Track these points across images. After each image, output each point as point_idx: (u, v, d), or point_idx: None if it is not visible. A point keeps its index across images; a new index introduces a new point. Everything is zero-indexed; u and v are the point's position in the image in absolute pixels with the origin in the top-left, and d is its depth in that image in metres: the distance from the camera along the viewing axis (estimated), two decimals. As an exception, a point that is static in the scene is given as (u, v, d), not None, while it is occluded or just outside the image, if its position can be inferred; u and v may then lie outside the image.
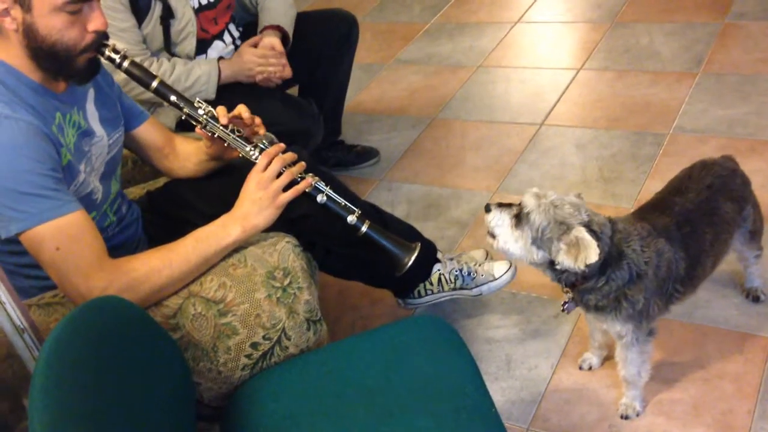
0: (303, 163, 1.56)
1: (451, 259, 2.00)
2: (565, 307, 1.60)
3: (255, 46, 2.28)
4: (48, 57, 1.37)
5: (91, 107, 1.53)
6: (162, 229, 1.70)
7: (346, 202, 1.59)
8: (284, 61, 2.28)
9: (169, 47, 2.16)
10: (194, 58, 2.21)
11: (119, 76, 1.72)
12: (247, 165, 1.57)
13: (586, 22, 3.46)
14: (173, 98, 1.58)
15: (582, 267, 1.42)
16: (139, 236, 1.70)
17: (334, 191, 1.59)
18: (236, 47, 2.35)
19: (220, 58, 2.28)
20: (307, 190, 1.54)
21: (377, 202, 2.50)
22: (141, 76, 1.56)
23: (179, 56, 2.18)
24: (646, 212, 1.62)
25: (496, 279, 1.96)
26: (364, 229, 1.60)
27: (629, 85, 2.92)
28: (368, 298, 2.20)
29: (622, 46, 3.18)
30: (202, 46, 2.25)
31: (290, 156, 1.55)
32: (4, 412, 1.34)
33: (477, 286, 1.97)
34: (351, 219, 1.59)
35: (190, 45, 2.19)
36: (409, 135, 2.94)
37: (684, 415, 1.69)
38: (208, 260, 1.46)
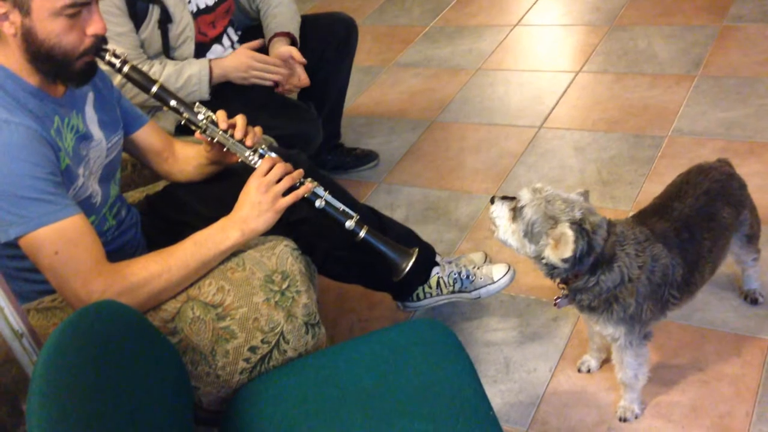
0: (301, 170, 1.57)
1: (450, 263, 2.00)
2: (557, 302, 1.61)
3: (256, 50, 2.27)
4: (46, 61, 1.37)
5: (90, 111, 1.53)
6: (161, 232, 1.70)
7: (345, 207, 1.60)
8: (302, 72, 2.28)
9: (167, 51, 2.16)
10: (190, 61, 2.21)
11: (118, 80, 1.72)
12: (246, 169, 1.57)
13: (584, 25, 3.46)
14: (173, 103, 1.58)
15: (558, 262, 1.44)
16: (138, 240, 1.70)
17: (332, 196, 1.59)
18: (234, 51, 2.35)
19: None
20: (306, 195, 1.55)
21: (376, 205, 2.51)
22: (141, 80, 1.56)
23: (177, 60, 2.18)
24: (645, 217, 1.62)
25: (495, 282, 1.96)
26: (361, 234, 1.61)
27: (628, 88, 2.93)
28: (367, 301, 2.20)
29: (621, 49, 3.19)
30: (201, 50, 2.25)
31: (290, 166, 1.56)
32: (2, 416, 1.34)
33: (476, 289, 1.98)
34: (349, 224, 1.60)
35: (188, 49, 2.19)
36: (409, 138, 2.95)
37: (682, 418, 1.69)
38: (207, 264, 1.46)
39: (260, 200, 1.49)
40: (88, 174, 1.49)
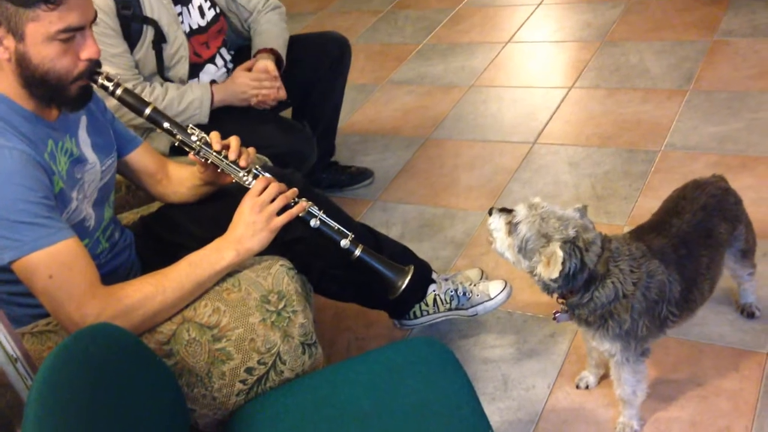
0: (295, 189, 1.57)
1: (446, 280, 2.00)
2: (556, 316, 1.61)
3: (249, 69, 2.29)
4: (40, 85, 1.37)
5: (83, 134, 1.53)
6: (156, 254, 1.70)
7: (340, 226, 1.60)
8: (278, 83, 2.29)
9: (161, 71, 2.17)
10: (187, 81, 2.22)
11: (111, 102, 1.72)
12: (241, 189, 1.57)
13: (576, 41, 3.49)
14: (166, 125, 1.58)
15: (548, 280, 1.45)
16: (132, 262, 1.69)
17: (327, 215, 1.59)
18: (228, 71, 2.36)
19: (213, 81, 2.29)
20: (300, 215, 1.54)
21: (372, 222, 2.51)
22: (134, 103, 1.56)
23: (172, 80, 2.19)
24: (643, 233, 1.62)
25: (492, 299, 1.96)
26: (357, 253, 1.60)
27: (620, 103, 2.94)
28: (363, 320, 2.19)
29: (613, 64, 3.21)
30: (194, 70, 2.26)
31: (284, 185, 1.55)
32: (-3, 442, 1.33)
33: (473, 306, 1.97)
34: (344, 243, 1.59)
35: (182, 69, 2.20)
36: (403, 155, 2.95)
37: (682, 434, 1.69)
38: (202, 285, 1.45)
39: (255, 220, 1.49)
40: (83, 197, 1.49)
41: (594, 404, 1.81)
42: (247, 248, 1.48)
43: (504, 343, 2.04)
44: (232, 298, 1.45)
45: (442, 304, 1.96)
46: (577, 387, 1.85)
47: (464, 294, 1.96)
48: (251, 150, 1.64)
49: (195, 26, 2.23)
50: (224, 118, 2.21)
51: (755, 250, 1.82)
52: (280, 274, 1.50)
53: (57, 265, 1.32)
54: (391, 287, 1.65)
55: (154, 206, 1.88)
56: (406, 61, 3.66)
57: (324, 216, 1.58)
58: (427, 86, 3.41)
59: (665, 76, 3.03)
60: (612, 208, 2.42)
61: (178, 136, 1.59)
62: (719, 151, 2.55)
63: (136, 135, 1.75)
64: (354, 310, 2.10)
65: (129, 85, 2.04)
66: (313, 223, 1.57)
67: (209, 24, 2.27)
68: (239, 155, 1.59)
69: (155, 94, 2.11)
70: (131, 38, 2.08)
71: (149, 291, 1.39)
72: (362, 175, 2.82)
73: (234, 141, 1.60)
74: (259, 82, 2.25)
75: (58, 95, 1.41)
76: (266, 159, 1.99)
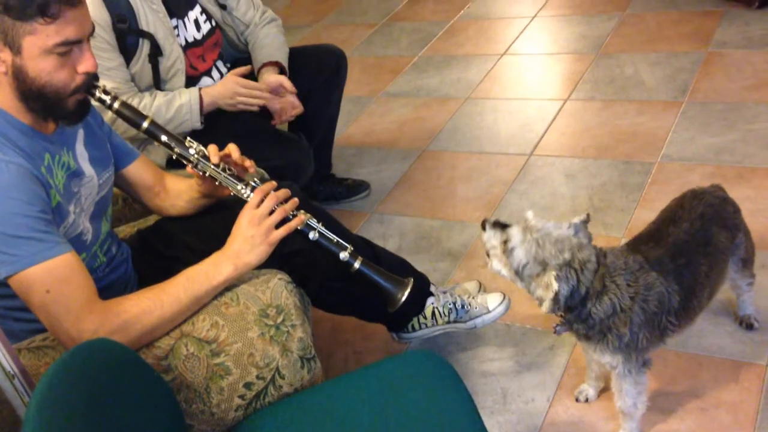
0: (295, 200, 1.56)
1: (445, 292, 1.99)
2: (556, 329, 1.60)
3: (243, 75, 2.27)
4: (37, 99, 1.37)
5: (80, 148, 1.52)
6: (153, 267, 1.69)
7: (339, 239, 1.59)
8: (294, 100, 2.29)
9: (158, 84, 2.17)
10: (178, 93, 2.21)
11: (109, 115, 1.72)
12: (239, 202, 1.56)
13: (571, 53, 3.50)
14: (164, 138, 1.58)
15: (546, 304, 1.45)
16: (129, 276, 1.68)
17: (326, 227, 1.58)
18: (222, 80, 2.36)
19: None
20: (299, 227, 1.54)
21: (369, 235, 2.51)
22: (131, 116, 1.56)
23: (169, 93, 2.19)
24: (640, 243, 1.62)
25: (490, 311, 1.95)
26: (356, 265, 1.60)
27: (616, 115, 2.95)
28: (361, 333, 2.18)
29: (608, 76, 3.22)
30: (191, 83, 2.25)
31: (283, 193, 1.54)
32: (-7, 460, 1.31)
33: (471, 319, 1.96)
34: (343, 256, 1.59)
35: (179, 82, 2.19)
36: (400, 167, 2.95)
37: (682, 446, 1.68)
38: (200, 299, 1.44)
39: (253, 234, 1.48)
40: (79, 211, 1.48)
41: (594, 417, 1.80)
42: (245, 262, 1.47)
43: (503, 356, 2.03)
44: (230, 313, 1.44)
45: (441, 316, 1.96)
46: (577, 400, 1.84)
47: (463, 307, 1.96)
48: (247, 161, 1.63)
49: (191, 39, 2.23)
50: (221, 130, 2.19)
51: (754, 260, 1.82)
52: (278, 288, 1.49)
53: (54, 279, 1.31)
54: (390, 300, 1.65)
55: (151, 219, 1.87)
56: (402, 74, 3.67)
57: (323, 228, 1.58)
58: (423, 98, 3.42)
59: (660, 87, 3.05)
60: (609, 219, 2.42)
61: (176, 149, 1.58)
62: (715, 162, 2.55)
63: (133, 148, 1.74)
64: (352, 322, 2.09)
65: (123, 98, 2.04)
66: (312, 235, 1.57)
67: (205, 37, 2.27)
68: (242, 161, 1.58)
69: (143, 102, 2.10)
70: (127, 52, 2.08)
71: (147, 306, 1.38)
72: (359, 187, 2.82)
73: (234, 150, 1.60)
74: (248, 90, 2.22)
75: (56, 109, 1.40)
76: (263, 172, 1.98)
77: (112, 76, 2.05)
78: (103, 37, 2.01)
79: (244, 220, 1.49)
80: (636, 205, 2.45)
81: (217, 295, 1.47)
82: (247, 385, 1.41)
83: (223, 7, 2.35)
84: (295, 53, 2.49)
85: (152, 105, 2.10)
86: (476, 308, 1.96)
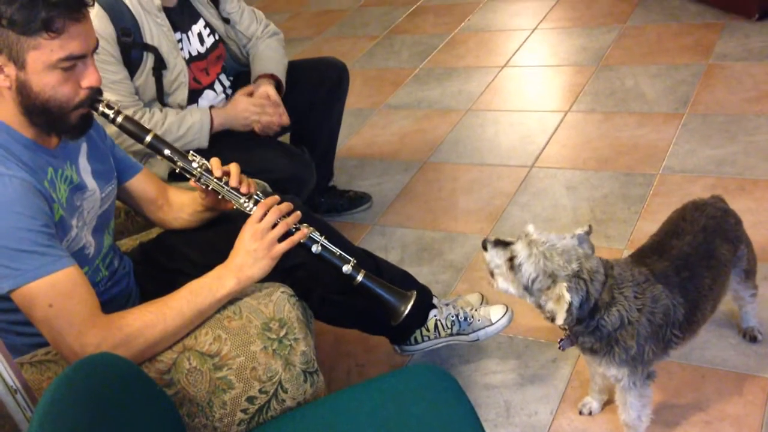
0: (298, 213, 1.56)
1: (447, 305, 1.99)
2: (560, 344, 1.59)
3: (250, 94, 2.29)
4: (41, 113, 1.37)
5: (83, 161, 1.52)
6: (155, 281, 1.69)
7: (341, 252, 1.59)
8: (281, 109, 2.30)
9: (161, 98, 2.18)
10: (185, 107, 2.22)
11: (112, 128, 1.72)
12: (242, 215, 1.56)
13: (571, 65, 3.51)
14: (167, 152, 1.58)
15: (559, 322, 1.44)
16: (131, 289, 1.68)
17: (328, 240, 1.58)
18: (227, 96, 2.37)
19: (211, 107, 2.29)
20: (302, 241, 1.54)
21: (370, 247, 2.50)
22: (135, 130, 1.56)
23: (171, 106, 2.20)
24: (644, 256, 1.62)
25: (493, 324, 1.95)
26: (359, 278, 1.60)
27: (617, 127, 2.96)
28: (364, 345, 2.18)
29: (608, 88, 3.23)
30: (194, 96, 2.26)
31: (286, 206, 1.54)
32: (-6, 475, 1.30)
33: (474, 332, 1.96)
34: (346, 269, 1.59)
35: (182, 95, 2.20)
36: (401, 179, 2.95)
37: (687, 460, 1.67)
38: (203, 313, 1.44)
39: (256, 248, 1.48)
40: (82, 225, 1.48)
41: (597, 430, 1.79)
42: (248, 276, 1.47)
43: (505, 368, 2.02)
44: (233, 326, 1.44)
45: (443, 329, 1.95)
46: (580, 413, 1.83)
47: (465, 319, 1.95)
48: (251, 180, 1.63)
49: (194, 53, 2.24)
50: (223, 143, 2.21)
51: (756, 271, 1.82)
52: (281, 302, 1.49)
53: (57, 293, 1.30)
54: (393, 313, 1.64)
55: (154, 232, 1.87)
56: (403, 86, 3.68)
57: (325, 242, 1.58)
58: (424, 110, 3.43)
59: (661, 99, 3.05)
60: (611, 231, 2.42)
61: (179, 163, 1.58)
62: (717, 174, 2.55)
63: (136, 161, 1.75)
64: (354, 335, 2.09)
65: (129, 112, 2.05)
66: (315, 249, 1.57)
67: (208, 51, 2.28)
68: (240, 182, 1.59)
69: (155, 119, 2.11)
70: (131, 65, 2.09)
71: (150, 319, 1.38)
72: (360, 199, 2.82)
73: (234, 168, 1.60)
74: (261, 108, 2.25)
75: (59, 123, 1.40)
76: (265, 184, 1.99)
77: (117, 90, 2.06)
78: (108, 51, 2.02)
79: (247, 234, 1.49)
80: (638, 216, 2.45)
81: (219, 308, 1.47)
82: (250, 399, 1.41)
83: (226, 21, 2.36)
84: (296, 66, 2.50)
85: (164, 122, 2.11)
86: (479, 320, 1.95)
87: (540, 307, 1.52)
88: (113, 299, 1.60)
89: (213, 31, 2.31)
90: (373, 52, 4.11)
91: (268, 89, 2.29)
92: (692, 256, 1.59)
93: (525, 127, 3.12)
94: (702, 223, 1.65)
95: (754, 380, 1.82)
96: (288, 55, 2.51)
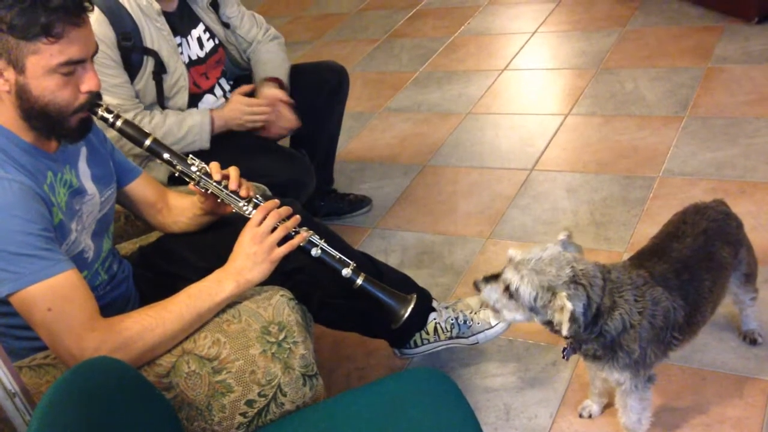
0: (297, 217, 1.56)
1: (447, 308, 1.99)
2: (564, 353, 1.59)
3: (246, 94, 2.29)
4: (40, 117, 1.37)
5: (83, 165, 1.53)
6: (154, 285, 1.69)
7: (341, 255, 1.59)
8: (290, 113, 2.29)
9: (161, 101, 2.18)
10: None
11: (111, 133, 1.73)
12: (241, 219, 1.57)
13: (571, 68, 3.51)
14: (166, 156, 1.58)
15: (565, 333, 1.43)
16: (131, 293, 1.68)
17: (328, 244, 1.58)
18: (227, 100, 2.37)
19: (211, 110, 2.29)
20: (301, 245, 1.54)
21: (370, 250, 2.51)
22: (134, 134, 1.57)
23: (171, 110, 2.20)
24: (644, 259, 1.61)
25: (493, 327, 1.95)
26: (359, 282, 1.60)
27: (617, 130, 2.96)
28: (364, 349, 2.18)
29: (608, 91, 3.23)
30: (194, 100, 2.26)
31: (285, 210, 1.55)
32: (-7, 479, 1.30)
33: (473, 335, 1.96)
34: (346, 272, 1.59)
35: (182, 99, 2.20)
36: (401, 182, 2.96)
37: (687, 463, 1.67)
38: (202, 316, 1.44)
39: (255, 251, 1.48)
40: (81, 229, 1.48)
41: (598, 433, 1.79)
42: (247, 279, 1.47)
43: (505, 371, 2.02)
44: (232, 330, 1.44)
45: (443, 332, 1.95)
46: (580, 416, 1.83)
47: (465, 322, 1.95)
48: (250, 184, 1.63)
49: (194, 57, 2.24)
50: (223, 147, 2.21)
51: (757, 274, 1.82)
52: (280, 305, 1.49)
53: (56, 297, 1.30)
54: (393, 316, 1.64)
55: (153, 236, 1.87)
56: (403, 89, 3.68)
57: (325, 245, 1.58)
58: (424, 114, 3.43)
59: (661, 102, 3.05)
60: (611, 234, 2.42)
61: (178, 167, 1.59)
62: (717, 176, 2.55)
63: (136, 165, 1.75)
64: (353, 338, 2.09)
65: (129, 116, 2.06)
66: (315, 252, 1.57)
67: (208, 55, 2.29)
68: (239, 186, 1.59)
69: (155, 121, 2.12)
70: (132, 69, 2.09)
71: (149, 323, 1.38)
72: (360, 202, 2.82)
73: (233, 171, 1.60)
74: (249, 107, 2.25)
75: (58, 127, 1.41)
76: (265, 188, 1.99)
77: (118, 93, 2.06)
78: (108, 55, 2.02)
79: (246, 238, 1.49)
80: (638, 219, 2.45)
81: (218, 312, 1.47)
82: (249, 403, 1.41)
83: (226, 25, 2.36)
84: (296, 70, 2.50)
85: (164, 124, 2.12)
86: (478, 323, 1.95)
87: (550, 323, 1.49)
88: (112, 303, 1.60)
89: (213, 36, 2.31)
90: (373, 55, 4.12)
91: (277, 92, 2.29)
92: (692, 258, 1.59)
93: (525, 130, 3.12)
94: (703, 226, 1.65)
95: (754, 383, 1.82)
96: (288, 59, 2.51)
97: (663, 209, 2.42)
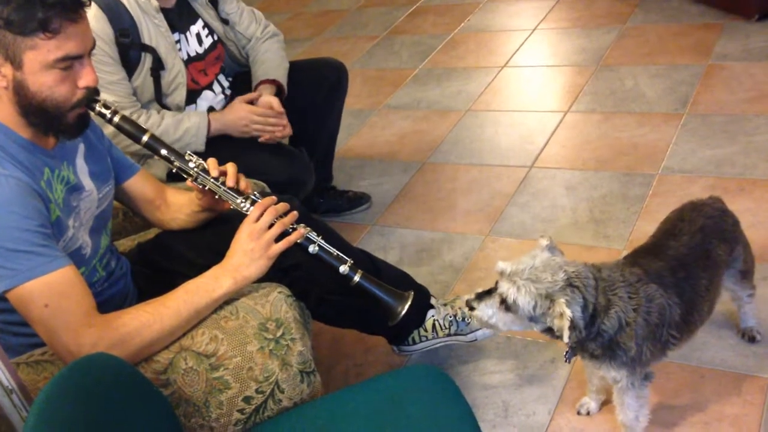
0: (295, 213, 1.56)
1: (445, 305, 1.99)
2: (566, 356, 1.58)
3: (250, 102, 2.28)
4: (38, 113, 1.37)
5: (80, 162, 1.52)
6: (153, 281, 1.69)
7: (339, 252, 1.59)
8: (284, 120, 2.29)
9: (159, 98, 2.18)
10: (184, 108, 2.23)
11: (109, 129, 1.73)
12: (239, 215, 1.56)
13: (571, 65, 3.51)
14: (164, 152, 1.58)
15: (566, 340, 1.42)
16: (128, 290, 1.68)
17: (326, 241, 1.58)
18: (226, 97, 2.37)
19: (210, 108, 2.29)
20: (299, 241, 1.54)
21: (369, 247, 2.50)
22: (131, 130, 1.56)
23: (169, 107, 2.20)
24: (639, 256, 1.61)
25: (491, 324, 1.94)
26: (356, 278, 1.60)
27: (616, 127, 2.95)
28: (362, 345, 2.18)
29: (608, 88, 3.23)
30: (192, 97, 2.26)
31: (282, 206, 1.54)
32: (-10, 475, 1.31)
33: (472, 332, 1.96)
34: (343, 269, 1.59)
35: (180, 96, 2.20)
36: (400, 179, 2.95)
37: (685, 460, 1.67)
38: (200, 313, 1.44)
39: (252, 247, 1.48)
40: (79, 225, 1.48)
41: (595, 430, 1.79)
42: (244, 276, 1.47)
43: (504, 368, 2.02)
44: (229, 326, 1.44)
45: (441, 329, 1.95)
46: (578, 413, 1.83)
47: (463, 319, 1.95)
48: (249, 180, 1.63)
49: (193, 53, 2.24)
50: (221, 144, 2.21)
51: (754, 271, 1.81)
52: (278, 302, 1.48)
53: (53, 293, 1.30)
54: (390, 313, 1.64)
55: (151, 233, 1.87)
56: (403, 86, 3.68)
57: (323, 242, 1.58)
58: (424, 111, 3.43)
59: (661, 99, 3.05)
60: (610, 231, 2.42)
61: (176, 163, 1.59)
62: (716, 174, 2.55)
63: (133, 162, 1.75)
64: (352, 335, 2.09)
65: (127, 113, 2.05)
66: (312, 249, 1.57)
67: (207, 51, 2.28)
68: (237, 182, 1.59)
69: (151, 121, 2.11)
70: (130, 65, 2.09)
71: (146, 319, 1.38)
72: (359, 199, 2.82)
73: (231, 168, 1.60)
74: (264, 118, 2.24)
75: (56, 123, 1.40)
76: (264, 185, 1.99)
77: (115, 90, 2.06)
78: (106, 51, 2.02)
79: (244, 234, 1.49)
80: (637, 217, 2.45)
81: (216, 308, 1.47)
82: (247, 399, 1.41)
83: (225, 21, 2.36)
84: (295, 67, 2.49)
85: (160, 124, 2.11)
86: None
87: (549, 330, 1.48)
88: (110, 300, 1.60)
89: (211, 32, 2.31)
90: (372, 52, 4.11)
91: (271, 99, 2.28)
92: (689, 256, 1.59)
93: (524, 128, 3.12)
94: (699, 223, 1.65)
95: (752, 380, 1.82)
96: (287, 56, 2.51)
97: (662, 206, 2.41)
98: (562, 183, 2.71)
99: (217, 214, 1.74)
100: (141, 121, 2.08)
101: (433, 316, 1.95)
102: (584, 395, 1.84)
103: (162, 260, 1.76)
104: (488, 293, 1.50)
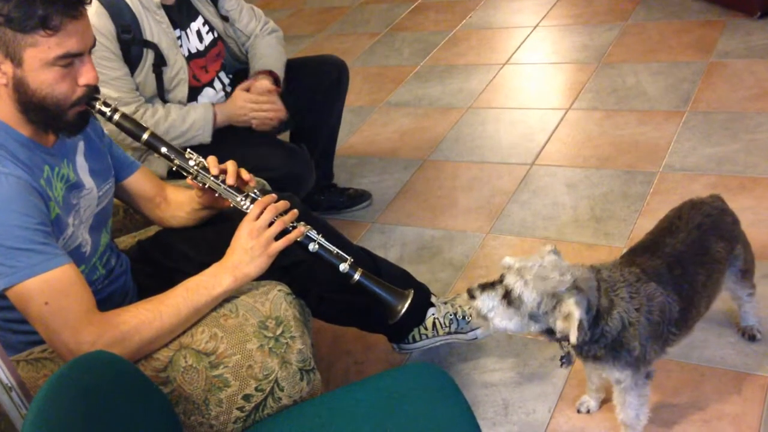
0: (295, 211, 1.56)
1: (445, 303, 1.99)
2: (562, 361, 1.57)
3: (248, 89, 2.29)
4: (38, 111, 1.37)
5: (80, 159, 1.52)
6: (153, 278, 1.69)
7: (339, 250, 1.59)
8: (277, 102, 2.29)
9: (161, 94, 2.18)
10: (186, 104, 2.22)
11: (110, 126, 1.73)
12: (239, 213, 1.56)
13: (572, 63, 3.50)
14: (164, 150, 1.58)
15: (573, 341, 1.41)
16: (129, 287, 1.68)
17: (326, 239, 1.58)
18: (226, 94, 2.37)
19: (212, 104, 2.29)
20: (299, 239, 1.54)
21: (370, 245, 2.50)
22: (131, 128, 1.56)
23: (172, 103, 2.20)
24: (636, 255, 1.61)
25: (491, 322, 1.94)
26: (356, 277, 1.59)
27: (618, 125, 2.95)
28: (362, 343, 2.18)
29: (610, 86, 3.22)
30: (193, 94, 2.26)
31: (282, 204, 1.54)
32: (-10, 472, 1.31)
33: (472, 330, 1.96)
34: (343, 267, 1.58)
35: (182, 92, 2.20)
36: (401, 177, 2.95)
37: (685, 459, 1.67)
38: (199, 310, 1.44)
39: (252, 245, 1.48)
40: (78, 223, 1.48)
41: (595, 429, 1.79)
42: (244, 274, 1.47)
43: (504, 366, 2.02)
44: (229, 324, 1.44)
45: (442, 327, 1.95)
46: (578, 411, 1.83)
47: (463, 317, 1.95)
48: (245, 177, 1.63)
49: (194, 50, 2.24)
50: (223, 141, 2.21)
51: (754, 270, 1.81)
52: (278, 300, 1.48)
53: (53, 291, 1.30)
54: (390, 311, 1.64)
55: (152, 230, 1.87)
56: (404, 83, 3.67)
57: (323, 240, 1.58)
58: (425, 108, 3.42)
59: (662, 97, 3.04)
60: (611, 229, 2.41)
61: (176, 161, 1.59)
62: (718, 172, 2.55)
63: (134, 159, 1.75)
64: (353, 333, 2.09)
65: (131, 108, 2.06)
66: (312, 247, 1.56)
67: (207, 48, 2.28)
68: (236, 180, 1.58)
69: (158, 115, 2.12)
70: (132, 62, 2.09)
71: (146, 317, 1.38)
72: (360, 197, 2.82)
73: (231, 166, 1.60)
74: (258, 104, 2.26)
75: (56, 121, 1.40)
76: (264, 182, 1.99)
77: (118, 86, 2.06)
78: (108, 48, 2.02)
79: (244, 232, 1.49)
80: (638, 214, 2.45)
81: (216, 306, 1.47)
82: (246, 397, 1.41)
83: (225, 19, 2.36)
84: (296, 64, 2.49)
85: (168, 117, 2.12)
86: (477, 319, 1.95)
87: (547, 332, 1.48)
88: (110, 297, 1.60)
89: (212, 29, 2.31)
90: (373, 49, 4.11)
91: (263, 82, 2.28)
92: (686, 253, 1.59)
93: (525, 125, 3.12)
94: (697, 220, 1.65)
95: (752, 379, 1.82)
96: (288, 53, 2.51)
97: (663, 204, 2.40)
98: (563, 181, 2.71)
99: (218, 211, 1.74)
100: (147, 116, 2.10)
101: (433, 314, 1.95)
102: (584, 393, 1.84)
103: (162, 258, 1.76)
104: (491, 285, 1.48)
